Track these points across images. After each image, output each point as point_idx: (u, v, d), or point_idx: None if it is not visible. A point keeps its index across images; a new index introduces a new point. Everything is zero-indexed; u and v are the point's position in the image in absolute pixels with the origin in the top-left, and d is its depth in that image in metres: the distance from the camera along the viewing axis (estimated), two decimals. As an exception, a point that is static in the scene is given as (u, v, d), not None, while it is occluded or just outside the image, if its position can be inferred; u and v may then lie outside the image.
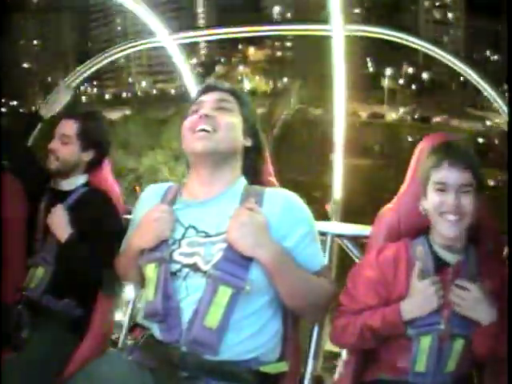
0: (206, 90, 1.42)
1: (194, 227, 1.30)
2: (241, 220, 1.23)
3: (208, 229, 1.28)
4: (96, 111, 2.02)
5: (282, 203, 1.31)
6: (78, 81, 2.49)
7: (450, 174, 1.32)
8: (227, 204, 1.29)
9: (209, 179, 1.34)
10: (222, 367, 1.21)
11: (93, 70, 2.53)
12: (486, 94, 1.87)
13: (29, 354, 1.60)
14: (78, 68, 2.53)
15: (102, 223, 1.76)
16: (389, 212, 1.55)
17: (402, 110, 32.95)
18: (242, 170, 1.40)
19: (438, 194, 1.33)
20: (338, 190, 2.05)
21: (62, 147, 1.85)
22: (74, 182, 1.88)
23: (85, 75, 2.51)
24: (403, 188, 1.57)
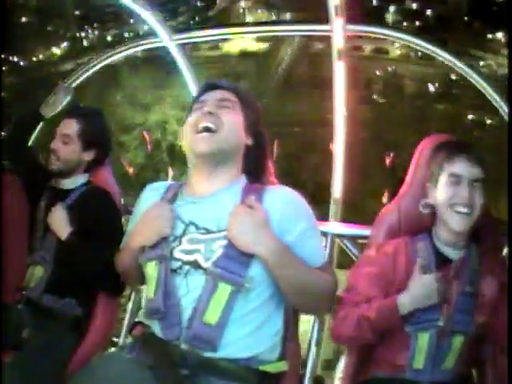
0: (208, 88, 1.42)
1: (194, 224, 1.30)
2: (240, 217, 1.23)
3: (209, 225, 1.29)
4: (98, 111, 2.02)
5: (282, 199, 1.31)
6: (78, 81, 2.50)
7: (465, 167, 1.35)
8: (228, 201, 1.30)
9: (210, 176, 1.34)
10: (221, 365, 1.21)
11: (93, 70, 2.54)
12: (486, 95, 1.87)
13: (29, 353, 1.60)
14: (78, 68, 2.54)
15: (102, 222, 1.77)
16: (389, 211, 1.55)
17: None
18: (243, 169, 1.40)
19: (452, 186, 1.35)
20: (338, 190, 2.05)
21: (63, 147, 1.85)
22: (75, 182, 1.89)
23: (85, 75, 2.51)
24: (404, 188, 1.57)
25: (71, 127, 1.87)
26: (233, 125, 1.34)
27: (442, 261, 1.36)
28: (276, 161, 1.66)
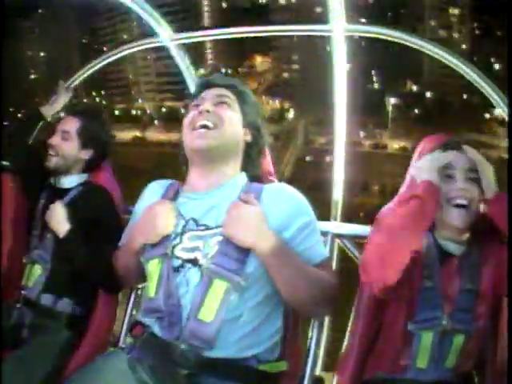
0: (206, 85, 1.43)
1: (194, 220, 1.30)
2: (236, 212, 1.23)
3: (208, 221, 1.29)
4: (99, 110, 2.02)
5: (280, 196, 1.31)
6: (78, 80, 2.50)
7: (457, 158, 1.35)
8: (227, 197, 1.30)
9: (209, 173, 1.35)
10: (221, 365, 1.21)
11: (95, 69, 2.53)
12: (487, 95, 1.87)
13: (28, 353, 1.60)
14: (79, 68, 2.53)
15: (100, 220, 1.77)
16: (389, 212, 1.55)
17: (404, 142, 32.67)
18: (242, 166, 1.40)
19: (446, 180, 1.34)
20: (338, 191, 2.04)
21: (62, 143, 1.86)
22: (74, 180, 1.89)
23: (86, 75, 2.51)
24: (403, 187, 1.56)
25: (71, 124, 1.87)
26: (230, 121, 1.35)
27: (445, 256, 1.36)
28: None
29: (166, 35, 2.37)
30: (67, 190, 1.86)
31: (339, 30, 1.90)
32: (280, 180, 1.61)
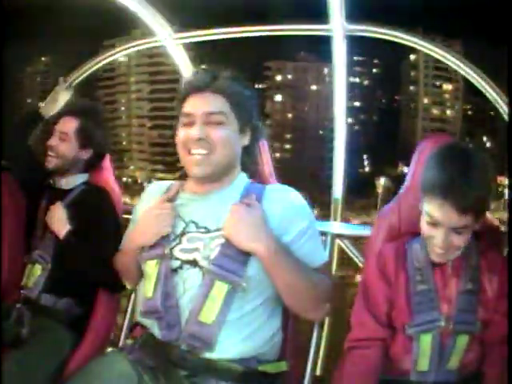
0: (193, 90, 1.31)
1: (194, 222, 1.30)
2: (237, 214, 1.23)
3: (208, 224, 1.29)
4: (96, 110, 2.02)
5: (282, 199, 1.31)
6: (78, 80, 2.50)
7: (442, 215, 1.20)
8: (228, 199, 1.29)
9: (210, 182, 1.34)
10: (220, 366, 1.21)
11: (94, 68, 2.54)
12: (488, 95, 1.87)
13: (28, 353, 1.60)
14: (79, 67, 2.53)
15: (100, 220, 1.76)
16: (389, 212, 1.55)
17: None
18: (241, 166, 1.38)
19: (429, 226, 1.25)
20: (338, 190, 2.05)
21: (61, 144, 1.85)
22: (74, 181, 1.88)
23: (86, 74, 2.51)
24: (404, 187, 1.57)
25: (69, 125, 1.87)
26: (225, 142, 1.28)
27: (438, 262, 1.35)
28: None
29: (165, 35, 2.37)
30: (67, 191, 1.86)
31: (339, 30, 1.90)
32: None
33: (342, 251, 2.01)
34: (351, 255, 1.96)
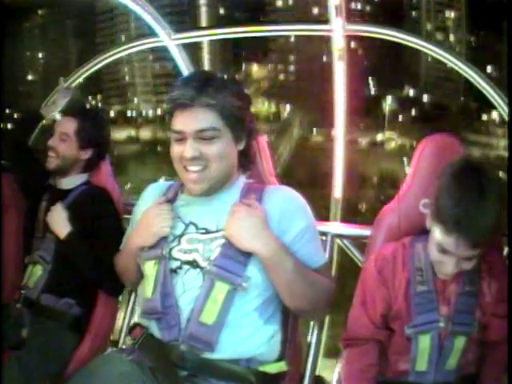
0: (181, 107, 1.25)
1: (194, 224, 1.30)
2: (238, 215, 1.23)
3: (208, 225, 1.29)
4: (97, 110, 2.02)
5: (281, 199, 1.31)
6: (78, 80, 2.50)
7: (455, 248, 1.19)
8: (227, 200, 1.29)
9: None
10: (221, 366, 1.21)
11: (94, 69, 2.54)
12: (487, 95, 1.87)
13: (28, 353, 1.60)
14: (80, 67, 2.54)
15: (101, 221, 1.77)
16: (389, 212, 1.55)
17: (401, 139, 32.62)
18: (239, 167, 1.37)
19: (439, 253, 1.24)
20: (338, 190, 2.05)
21: (61, 144, 1.86)
22: (74, 181, 1.89)
23: (85, 75, 2.51)
24: (404, 187, 1.57)
25: (69, 125, 1.87)
26: (220, 157, 1.25)
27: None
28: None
29: (165, 35, 2.37)
30: (67, 191, 1.86)
31: (339, 30, 1.91)
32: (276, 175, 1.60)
33: (342, 251, 2.01)
34: (351, 255, 1.96)
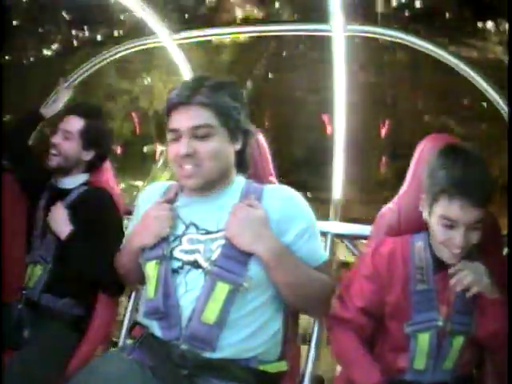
0: (177, 105, 1.27)
1: (194, 224, 1.30)
2: (239, 215, 1.23)
3: (209, 226, 1.29)
4: (100, 110, 2.02)
5: (281, 199, 1.31)
6: (78, 80, 2.49)
7: (461, 213, 1.21)
8: (227, 201, 1.30)
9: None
10: (221, 365, 1.22)
11: (93, 69, 2.53)
12: (487, 95, 1.87)
13: (29, 353, 1.60)
14: (78, 68, 2.53)
15: (101, 221, 1.77)
16: (389, 212, 1.55)
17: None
18: (237, 167, 1.37)
19: (445, 229, 1.25)
20: (338, 190, 2.04)
21: (64, 142, 1.85)
22: (75, 181, 1.89)
23: (85, 75, 2.51)
24: (404, 187, 1.57)
25: (74, 124, 1.87)
26: (214, 156, 1.26)
27: (439, 263, 1.35)
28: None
29: (165, 35, 2.37)
30: (68, 191, 1.86)
31: (339, 29, 1.90)
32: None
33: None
34: (351, 255, 1.97)
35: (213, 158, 1.26)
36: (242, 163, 1.38)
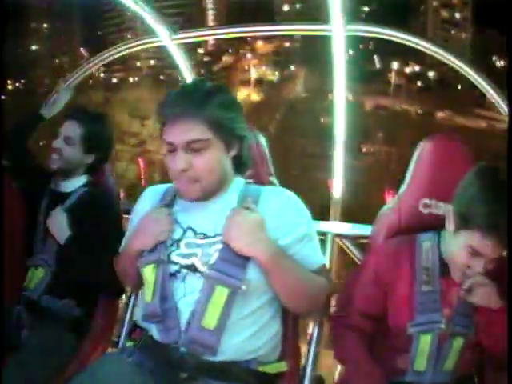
0: (170, 118, 1.25)
1: (192, 229, 1.30)
2: (236, 219, 1.23)
3: (206, 230, 1.29)
4: (102, 115, 2.01)
5: (278, 202, 1.30)
6: (78, 80, 2.49)
7: (491, 250, 1.25)
8: (225, 205, 1.29)
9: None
10: (221, 367, 1.21)
11: (93, 69, 2.53)
12: (487, 95, 1.87)
13: (29, 354, 1.60)
14: (78, 68, 2.53)
15: (101, 224, 1.76)
16: (389, 212, 1.55)
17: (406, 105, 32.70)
18: (234, 171, 1.36)
19: (468, 255, 1.27)
20: (338, 189, 2.04)
21: (66, 147, 1.85)
22: (75, 184, 1.88)
23: (85, 75, 2.51)
24: (404, 187, 1.57)
25: (74, 129, 1.86)
26: (210, 170, 1.25)
27: (446, 265, 1.35)
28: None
29: (165, 35, 2.37)
30: (67, 194, 1.86)
31: (339, 29, 1.90)
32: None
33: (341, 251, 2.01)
34: (351, 255, 1.96)
35: (209, 172, 1.26)
36: (240, 165, 1.37)
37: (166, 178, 1.38)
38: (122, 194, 2.00)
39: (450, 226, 1.31)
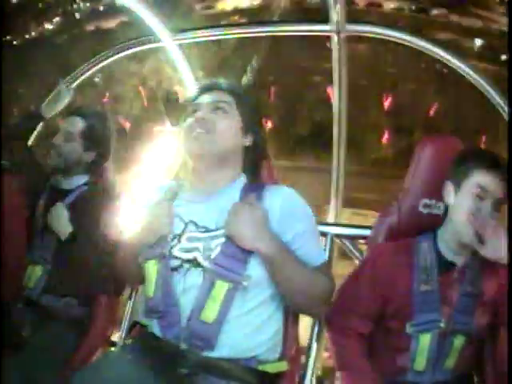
0: (204, 89, 1.40)
1: (194, 223, 1.30)
2: (239, 214, 1.24)
3: (208, 224, 1.29)
4: (103, 113, 2.01)
5: (281, 199, 1.31)
6: (78, 81, 2.50)
7: (494, 184, 1.30)
8: (227, 200, 1.30)
9: (209, 177, 1.35)
10: (221, 365, 1.21)
11: (93, 70, 2.53)
12: (487, 95, 1.87)
13: (29, 353, 1.60)
14: (79, 68, 2.53)
15: (102, 221, 1.76)
16: (389, 212, 1.55)
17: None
18: (242, 168, 1.40)
19: (475, 200, 1.30)
20: (338, 190, 2.05)
21: (65, 143, 1.85)
22: (75, 182, 1.88)
23: (85, 75, 2.51)
24: (404, 187, 1.57)
25: (75, 126, 1.87)
26: (227, 128, 1.33)
27: (444, 264, 1.35)
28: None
29: (166, 35, 2.38)
30: (68, 191, 1.86)
31: (339, 30, 1.91)
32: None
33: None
34: (351, 255, 1.97)
35: (224, 128, 1.33)
36: (248, 162, 1.40)
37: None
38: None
39: (449, 199, 1.36)
